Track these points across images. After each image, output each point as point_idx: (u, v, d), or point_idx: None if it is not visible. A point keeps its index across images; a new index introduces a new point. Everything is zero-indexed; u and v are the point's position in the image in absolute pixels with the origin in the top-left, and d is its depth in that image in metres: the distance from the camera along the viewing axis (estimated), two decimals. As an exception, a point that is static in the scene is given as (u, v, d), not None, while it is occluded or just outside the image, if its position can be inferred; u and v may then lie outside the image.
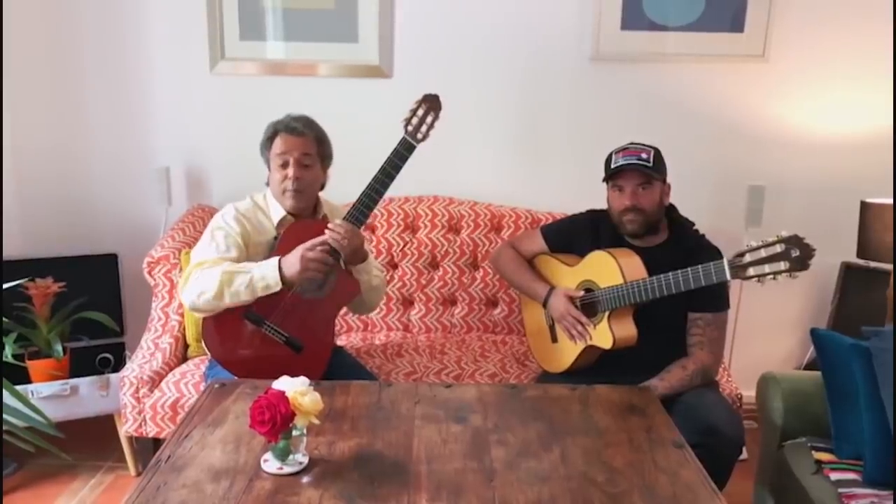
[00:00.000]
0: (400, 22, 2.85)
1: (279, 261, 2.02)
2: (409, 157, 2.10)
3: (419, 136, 2.10)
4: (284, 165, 2.11)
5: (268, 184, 2.20)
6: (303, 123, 2.15)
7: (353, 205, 2.09)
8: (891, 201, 2.57)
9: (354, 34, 2.86)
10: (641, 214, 2.07)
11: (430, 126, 2.11)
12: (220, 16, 2.85)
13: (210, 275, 2.00)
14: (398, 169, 2.09)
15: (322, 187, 2.23)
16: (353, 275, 2.14)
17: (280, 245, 2.10)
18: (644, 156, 2.05)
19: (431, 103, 2.12)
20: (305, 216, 2.19)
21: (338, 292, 2.13)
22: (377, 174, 2.09)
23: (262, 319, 2.07)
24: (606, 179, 2.11)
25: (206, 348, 2.17)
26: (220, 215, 2.16)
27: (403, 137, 2.10)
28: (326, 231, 2.06)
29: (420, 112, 2.11)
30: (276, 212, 2.17)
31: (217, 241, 2.09)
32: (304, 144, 2.13)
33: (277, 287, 2.01)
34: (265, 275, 2.00)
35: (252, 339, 2.08)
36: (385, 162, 2.09)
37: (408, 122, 2.10)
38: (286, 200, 2.14)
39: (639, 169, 2.04)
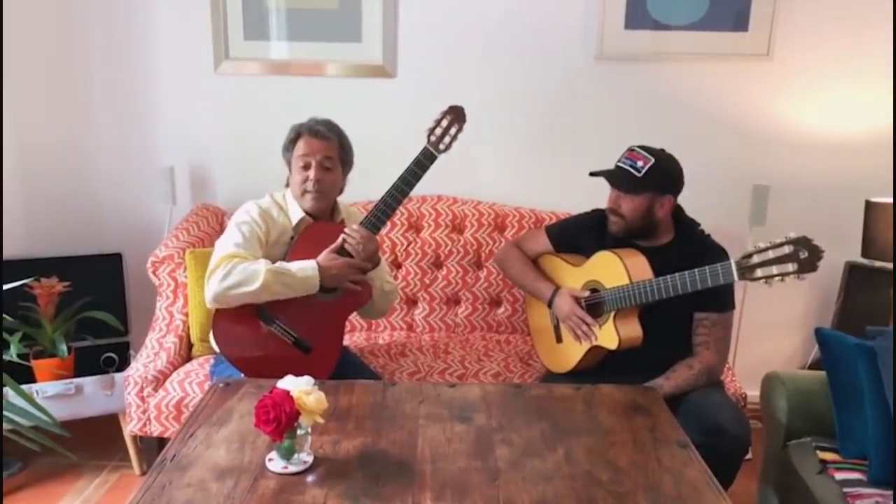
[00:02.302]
0: (404, 22, 2.85)
1: (318, 268, 2.04)
2: (430, 166, 2.10)
3: (441, 146, 2.12)
4: (306, 167, 2.13)
5: (287, 185, 2.23)
6: (327, 127, 2.17)
7: (371, 210, 2.11)
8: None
9: (358, 34, 2.87)
10: (623, 219, 2.08)
11: (454, 137, 2.13)
12: (224, 16, 2.85)
13: (254, 271, 2.01)
14: (418, 178, 2.10)
15: (340, 192, 2.25)
16: (367, 280, 2.16)
17: (296, 246, 2.12)
18: (640, 164, 2.03)
19: (456, 115, 2.14)
20: (323, 218, 2.21)
21: (350, 297, 2.14)
22: (396, 182, 2.10)
23: (273, 318, 2.08)
24: (595, 174, 2.10)
25: (214, 343, 2.18)
26: (245, 210, 2.18)
27: (425, 147, 2.10)
28: (343, 235, 2.08)
29: (444, 123, 2.12)
30: (295, 212, 2.18)
31: (245, 235, 2.10)
32: (327, 148, 2.15)
33: (314, 291, 2.06)
34: (306, 278, 2.04)
35: (261, 338, 2.08)
36: (405, 170, 2.10)
37: (431, 131, 2.11)
38: (306, 202, 2.16)
39: (619, 178, 2.04)
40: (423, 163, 2.09)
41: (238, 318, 2.07)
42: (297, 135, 2.17)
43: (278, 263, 2.07)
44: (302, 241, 2.12)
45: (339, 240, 2.09)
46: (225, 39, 2.88)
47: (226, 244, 2.09)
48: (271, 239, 2.15)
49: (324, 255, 2.08)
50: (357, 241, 2.07)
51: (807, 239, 1.74)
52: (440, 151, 2.11)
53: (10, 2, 2.77)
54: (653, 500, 1.44)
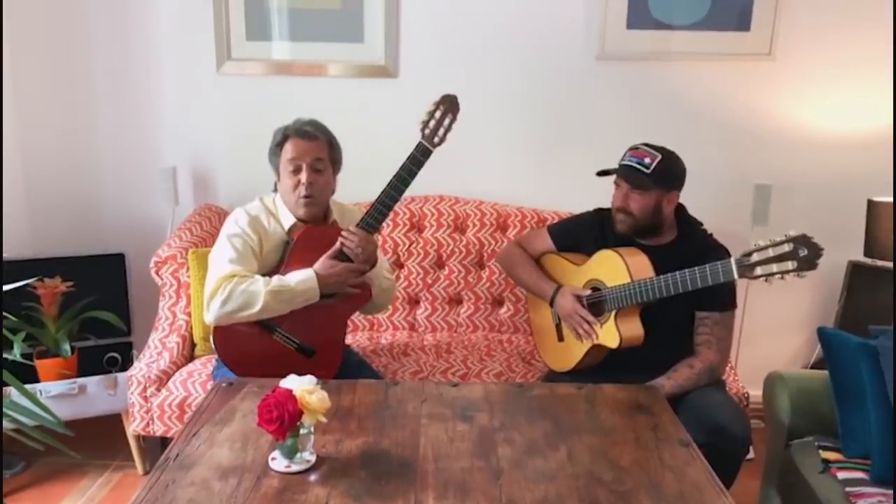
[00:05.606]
0: (406, 22, 2.85)
1: (316, 277, 2.02)
2: (426, 161, 2.02)
3: (436, 139, 2.02)
4: (297, 171, 2.07)
5: (275, 189, 2.18)
6: (314, 127, 2.10)
7: (368, 211, 2.05)
8: (897, 200, 2.57)
9: (360, 34, 2.87)
10: (630, 217, 2.07)
11: (448, 129, 2.02)
12: (226, 16, 2.86)
13: (253, 293, 1.97)
14: (413, 175, 2.02)
15: (332, 193, 2.19)
16: (366, 280, 2.12)
17: (293, 255, 2.07)
18: (647, 161, 2.03)
19: (449, 105, 2.03)
20: (316, 222, 2.15)
21: (350, 298, 2.11)
22: (392, 180, 2.03)
23: (275, 327, 2.06)
24: (603, 173, 2.10)
25: (216, 353, 2.17)
26: (234, 221, 2.11)
27: (420, 142, 2.02)
28: (340, 239, 2.04)
29: (437, 114, 2.02)
30: (287, 217, 2.13)
31: (238, 249, 2.05)
32: (317, 149, 2.08)
33: (315, 300, 2.04)
34: (306, 290, 2.01)
35: (263, 346, 2.06)
36: (400, 167, 2.03)
37: (425, 125, 2.02)
38: (299, 209, 2.09)
39: (629, 175, 2.04)
40: (418, 159, 2.01)
41: (239, 330, 2.04)
42: (283, 137, 2.09)
43: (276, 278, 2.02)
44: (298, 249, 2.07)
45: (337, 244, 2.04)
46: (227, 40, 2.88)
47: (221, 262, 2.04)
48: (265, 248, 2.10)
49: (321, 263, 2.03)
50: (356, 245, 2.02)
51: (806, 237, 1.74)
52: (435, 145, 2.01)
53: (12, 2, 2.78)
54: (655, 498, 1.44)
